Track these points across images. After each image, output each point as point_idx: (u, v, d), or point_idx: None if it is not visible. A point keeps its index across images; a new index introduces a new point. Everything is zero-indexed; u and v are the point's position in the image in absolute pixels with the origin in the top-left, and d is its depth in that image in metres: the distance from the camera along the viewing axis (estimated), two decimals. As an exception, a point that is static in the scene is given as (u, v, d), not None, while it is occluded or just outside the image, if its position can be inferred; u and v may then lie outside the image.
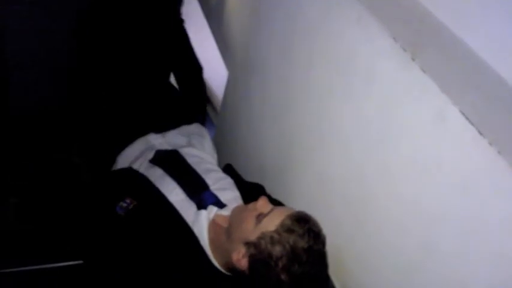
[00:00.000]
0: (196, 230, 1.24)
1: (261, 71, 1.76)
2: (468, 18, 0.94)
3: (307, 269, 1.07)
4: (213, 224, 1.25)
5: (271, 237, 1.09)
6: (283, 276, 1.06)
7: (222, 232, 1.21)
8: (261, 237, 1.10)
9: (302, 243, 1.07)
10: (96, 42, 2.22)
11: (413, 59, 0.93)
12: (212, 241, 1.22)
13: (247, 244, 1.12)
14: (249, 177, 1.58)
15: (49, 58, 2.43)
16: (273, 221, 1.11)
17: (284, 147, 1.57)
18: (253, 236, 1.12)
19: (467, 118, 0.83)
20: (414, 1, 1.05)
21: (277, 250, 1.07)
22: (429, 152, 0.93)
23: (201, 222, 1.25)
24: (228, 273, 1.21)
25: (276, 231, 1.09)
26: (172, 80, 2.41)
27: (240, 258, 1.12)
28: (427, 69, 0.91)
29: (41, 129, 2.34)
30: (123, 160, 1.59)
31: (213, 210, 1.30)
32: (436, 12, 0.98)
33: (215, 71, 2.68)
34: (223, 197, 1.36)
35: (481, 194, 0.82)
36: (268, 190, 1.51)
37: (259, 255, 1.10)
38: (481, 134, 0.80)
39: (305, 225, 1.09)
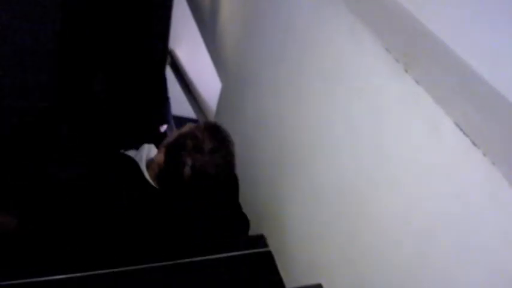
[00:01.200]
0: (138, 158, 1.47)
1: (253, 83, 1.77)
2: (460, 29, 0.95)
3: (209, 161, 1.31)
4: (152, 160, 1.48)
5: (185, 134, 1.36)
6: (188, 161, 1.30)
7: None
8: (177, 136, 1.38)
9: (209, 142, 1.32)
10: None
11: (406, 70, 0.94)
12: (149, 165, 1.45)
13: (167, 145, 1.39)
14: (242, 188, 1.58)
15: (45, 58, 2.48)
16: (190, 126, 1.39)
17: (277, 158, 1.57)
18: (172, 139, 1.39)
19: (461, 129, 0.83)
20: (406, 12, 1.06)
21: (187, 141, 1.33)
22: (423, 162, 0.93)
23: (140, 152, 1.51)
24: (157, 187, 1.43)
25: (190, 130, 1.37)
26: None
27: (161, 156, 1.38)
28: (420, 80, 0.91)
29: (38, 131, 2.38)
30: None
31: (151, 148, 1.55)
32: (428, 23, 0.99)
33: (209, 83, 2.69)
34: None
35: (475, 204, 0.81)
36: (262, 201, 1.51)
37: (172, 147, 1.36)
38: (475, 144, 0.80)
39: (215, 129, 1.37)
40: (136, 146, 1.64)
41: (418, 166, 0.95)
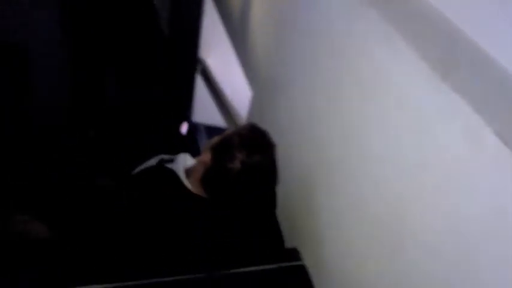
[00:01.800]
0: (175, 168, 1.49)
1: (285, 91, 1.76)
2: (500, 36, 0.91)
3: (256, 157, 1.32)
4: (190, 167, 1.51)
5: (230, 133, 1.38)
6: (238, 155, 1.31)
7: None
8: (222, 136, 1.40)
9: (255, 140, 1.36)
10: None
11: (444, 79, 0.91)
12: (188, 173, 1.47)
13: (213, 145, 1.39)
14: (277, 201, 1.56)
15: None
16: (233, 128, 1.45)
17: (311, 167, 1.55)
18: (217, 140, 1.40)
19: (502, 139, 0.80)
20: (444, 19, 1.02)
21: (233, 138, 1.35)
22: (463, 174, 0.90)
23: (177, 163, 1.52)
24: (199, 195, 1.43)
25: (235, 130, 1.41)
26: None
27: (207, 156, 1.38)
28: (458, 89, 0.88)
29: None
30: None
31: (187, 157, 1.57)
32: (467, 30, 0.95)
33: (239, 91, 2.69)
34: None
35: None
36: (296, 213, 1.48)
37: (219, 145, 1.37)
38: (517, 155, 0.76)
39: (259, 129, 1.40)
40: (157, 149, 1.67)
41: (457, 177, 0.91)
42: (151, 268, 1.37)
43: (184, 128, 2.98)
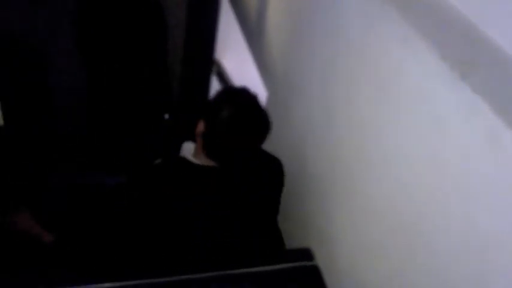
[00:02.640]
0: (183, 154, 1.53)
1: (302, 92, 1.75)
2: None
3: (245, 110, 1.39)
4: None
5: (216, 95, 1.45)
6: (226, 107, 1.37)
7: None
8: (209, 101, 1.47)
9: (242, 97, 1.42)
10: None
11: (463, 79, 0.89)
12: (194, 153, 1.51)
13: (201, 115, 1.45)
14: (289, 199, 1.56)
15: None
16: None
17: (325, 168, 1.54)
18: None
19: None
20: (464, 18, 1.02)
21: (220, 97, 1.43)
22: (482, 175, 0.89)
23: (183, 150, 1.57)
24: (210, 166, 1.48)
25: (220, 91, 1.48)
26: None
27: (200, 124, 1.44)
28: (478, 90, 0.87)
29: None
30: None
31: (190, 144, 1.59)
32: (486, 29, 0.94)
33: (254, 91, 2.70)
34: None
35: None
36: (310, 213, 1.48)
37: (207, 108, 1.43)
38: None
39: (244, 89, 1.45)
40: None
41: (476, 179, 0.90)
42: (152, 268, 1.38)
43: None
